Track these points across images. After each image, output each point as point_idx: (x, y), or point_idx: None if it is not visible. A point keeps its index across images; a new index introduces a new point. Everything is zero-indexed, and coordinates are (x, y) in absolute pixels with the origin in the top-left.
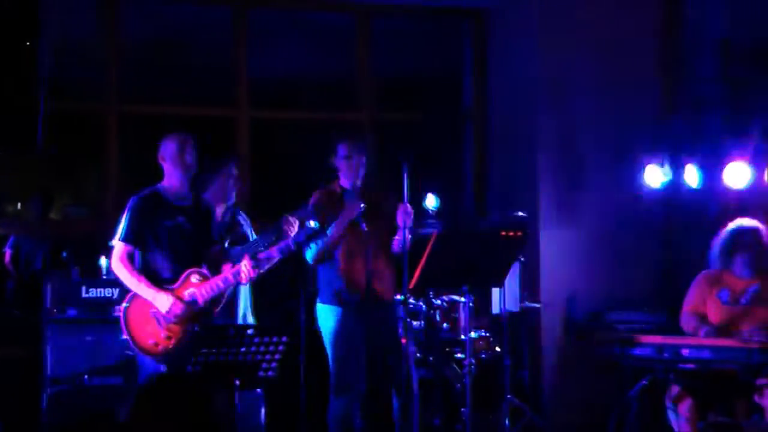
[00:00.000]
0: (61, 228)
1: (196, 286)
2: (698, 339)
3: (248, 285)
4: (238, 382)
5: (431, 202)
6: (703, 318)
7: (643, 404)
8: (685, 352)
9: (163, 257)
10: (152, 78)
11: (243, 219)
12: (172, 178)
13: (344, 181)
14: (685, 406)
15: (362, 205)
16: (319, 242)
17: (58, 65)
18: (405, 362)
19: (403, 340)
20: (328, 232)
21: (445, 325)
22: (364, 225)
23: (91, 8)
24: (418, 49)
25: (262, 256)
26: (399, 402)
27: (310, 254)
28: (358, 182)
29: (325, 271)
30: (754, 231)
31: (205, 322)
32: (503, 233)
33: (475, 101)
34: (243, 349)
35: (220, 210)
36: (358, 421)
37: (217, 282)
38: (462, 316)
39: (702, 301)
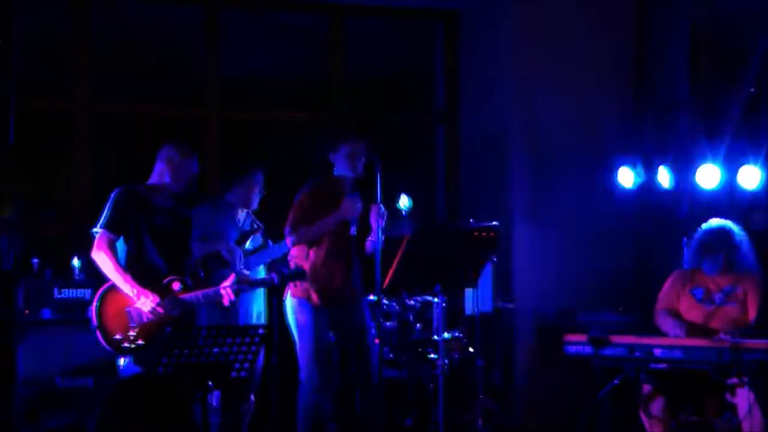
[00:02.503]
0: (32, 229)
1: (177, 294)
2: (670, 339)
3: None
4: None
5: (404, 202)
6: (676, 316)
7: (615, 404)
8: (656, 351)
9: (147, 253)
10: (123, 78)
11: (258, 226)
12: (162, 179)
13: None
14: (657, 405)
15: (359, 207)
16: (309, 230)
17: (28, 64)
18: (372, 362)
19: (377, 341)
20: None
21: (418, 325)
22: (354, 229)
23: (61, 7)
24: (390, 49)
25: (244, 284)
26: (364, 401)
27: (305, 239)
28: (356, 180)
29: (300, 264)
30: (724, 231)
31: (177, 327)
32: (476, 233)
33: (447, 102)
34: (216, 350)
35: (242, 215)
36: (327, 412)
37: (197, 295)
38: (435, 316)
39: (675, 299)
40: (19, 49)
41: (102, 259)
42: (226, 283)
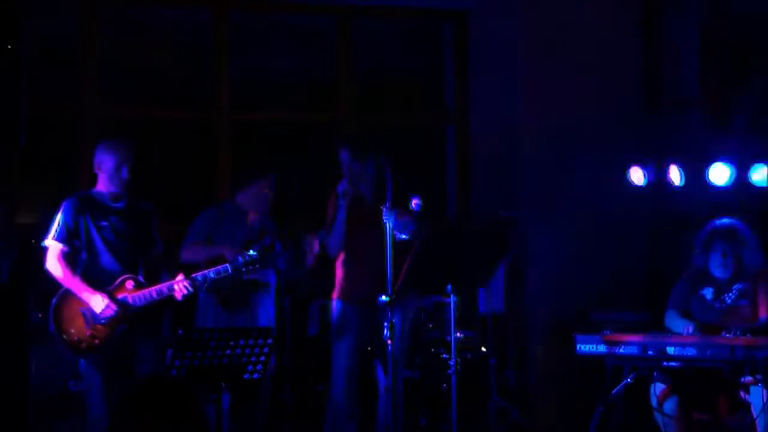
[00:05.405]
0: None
1: (129, 293)
2: (683, 337)
3: (274, 289)
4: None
5: (416, 203)
6: (687, 316)
7: (628, 403)
8: (669, 349)
9: (100, 259)
10: (132, 81)
11: (270, 227)
12: (106, 187)
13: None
14: (671, 404)
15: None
16: (334, 233)
17: (38, 68)
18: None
19: (389, 342)
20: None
21: (430, 325)
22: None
23: (70, 10)
24: (399, 51)
25: (198, 274)
26: (385, 401)
27: (329, 247)
28: (359, 185)
29: (337, 268)
30: (730, 228)
31: (134, 326)
32: (488, 233)
33: (457, 101)
34: (228, 352)
35: (254, 218)
36: (346, 411)
37: (151, 291)
38: (447, 316)
39: (686, 300)
40: (29, 53)
41: (55, 268)
42: (179, 278)
